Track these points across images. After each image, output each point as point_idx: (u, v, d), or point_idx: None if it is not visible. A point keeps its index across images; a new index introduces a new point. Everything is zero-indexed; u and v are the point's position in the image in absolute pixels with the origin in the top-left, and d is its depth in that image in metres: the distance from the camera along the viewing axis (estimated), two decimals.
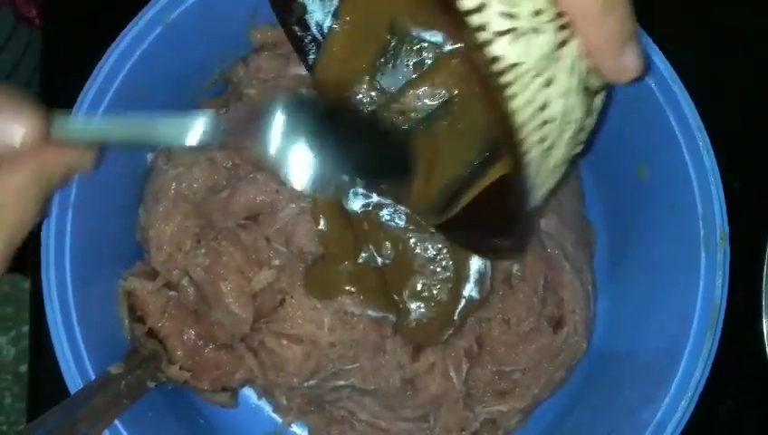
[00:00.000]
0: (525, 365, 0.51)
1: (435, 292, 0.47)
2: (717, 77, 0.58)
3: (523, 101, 0.30)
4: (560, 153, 0.34)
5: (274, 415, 0.55)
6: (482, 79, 0.30)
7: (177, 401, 0.52)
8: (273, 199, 0.48)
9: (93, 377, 0.46)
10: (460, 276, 0.47)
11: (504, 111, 0.30)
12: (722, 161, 0.46)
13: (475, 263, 0.47)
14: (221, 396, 0.52)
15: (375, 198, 0.47)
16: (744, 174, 0.56)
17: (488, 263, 0.48)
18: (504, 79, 0.30)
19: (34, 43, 0.73)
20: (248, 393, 0.55)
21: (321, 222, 0.48)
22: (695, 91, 0.47)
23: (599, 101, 0.35)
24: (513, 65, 0.30)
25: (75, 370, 0.45)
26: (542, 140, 0.32)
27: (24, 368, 1.19)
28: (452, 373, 0.49)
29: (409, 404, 0.50)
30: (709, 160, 0.46)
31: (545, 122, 0.32)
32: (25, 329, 0.96)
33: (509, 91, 0.30)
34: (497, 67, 0.30)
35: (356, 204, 0.47)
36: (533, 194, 0.34)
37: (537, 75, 0.31)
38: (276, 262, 0.48)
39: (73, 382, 0.45)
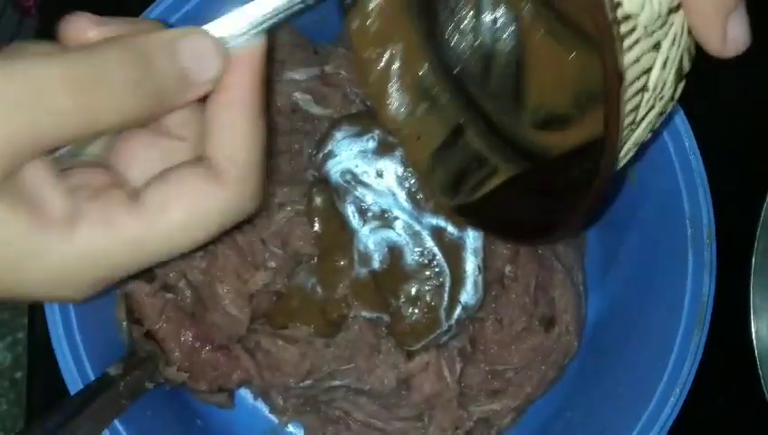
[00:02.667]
0: (518, 364, 0.51)
1: (428, 297, 0.48)
2: (704, 80, 0.59)
3: (631, 58, 0.28)
4: (640, 131, 0.31)
5: (271, 416, 0.55)
6: (602, 25, 0.27)
7: (174, 402, 0.52)
8: (268, 202, 0.49)
9: (93, 378, 0.46)
10: (455, 282, 0.48)
11: (616, 62, 0.27)
12: (710, 162, 0.47)
13: (470, 267, 0.48)
14: (218, 397, 0.52)
15: (370, 201, 0.48)
16: (733, 175, 0.56)
17: (481, 267, 0.48)
18: (620, 29, 0.27)
19: (26, 34, 0.73)
20: (245, 394, 0.55)
21: (316, 224, 0.49)
22: (682, 94, 0.47)
23: (681, 88, 0.32)
24: (627, 17, 0.27)
25: (75, 371, 0.46)
26: (634, 110, 0.30)
27: (19, 374, 1.18)
28: (446, 373, 0.49)
29: (404, 404, 0.50)
30: (695, 161, 0.47)
31: (643, 90, 0.29)
32: (21, 335, 0.95)
33: (623, 44, 0.27)
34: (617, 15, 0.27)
35: (350, 207, 0.48)
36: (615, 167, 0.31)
37: (648, 35, 0.28)
38: (272, 264, 0.49)
39: (74, 384, 0.46)
